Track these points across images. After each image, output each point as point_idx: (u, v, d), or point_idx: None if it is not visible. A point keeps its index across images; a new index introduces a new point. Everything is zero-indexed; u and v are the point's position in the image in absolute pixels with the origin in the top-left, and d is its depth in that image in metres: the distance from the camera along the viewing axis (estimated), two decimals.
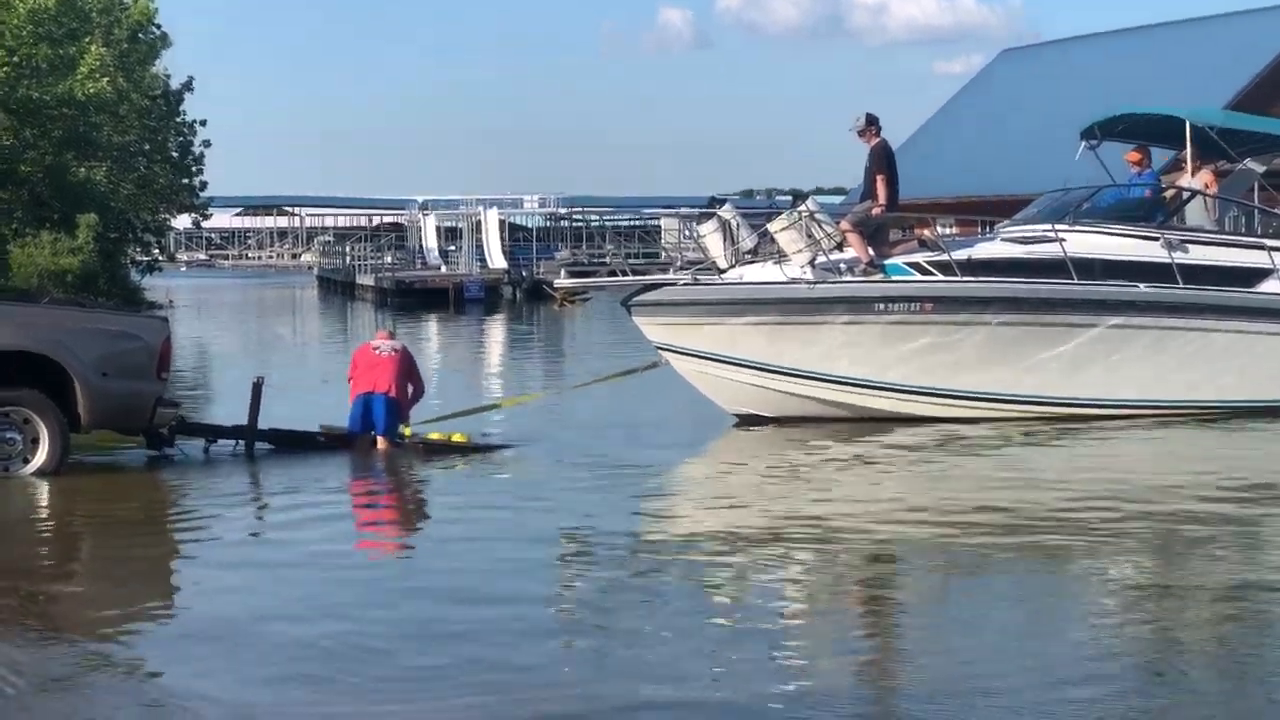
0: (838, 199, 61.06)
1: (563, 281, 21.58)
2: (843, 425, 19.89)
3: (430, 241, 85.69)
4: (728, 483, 16.97)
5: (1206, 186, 21.92)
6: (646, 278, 21.76)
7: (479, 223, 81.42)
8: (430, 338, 45.11)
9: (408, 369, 18.69)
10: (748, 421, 20.45)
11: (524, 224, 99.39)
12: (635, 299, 20.44)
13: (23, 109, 44.59)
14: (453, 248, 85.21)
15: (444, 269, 76.70)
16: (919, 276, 20.24)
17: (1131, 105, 24.95)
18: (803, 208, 20.50)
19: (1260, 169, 23.85)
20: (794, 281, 20.05)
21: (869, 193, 20.82)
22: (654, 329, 20.44)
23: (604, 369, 23.58)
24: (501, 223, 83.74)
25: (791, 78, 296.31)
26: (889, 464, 17.83)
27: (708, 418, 20.63)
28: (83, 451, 17.13)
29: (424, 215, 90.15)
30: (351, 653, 9.55)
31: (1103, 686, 8.76)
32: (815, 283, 20.00)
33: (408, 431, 18.42)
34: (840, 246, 20.40)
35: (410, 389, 18.75)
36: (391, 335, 19.28)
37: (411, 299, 64.27)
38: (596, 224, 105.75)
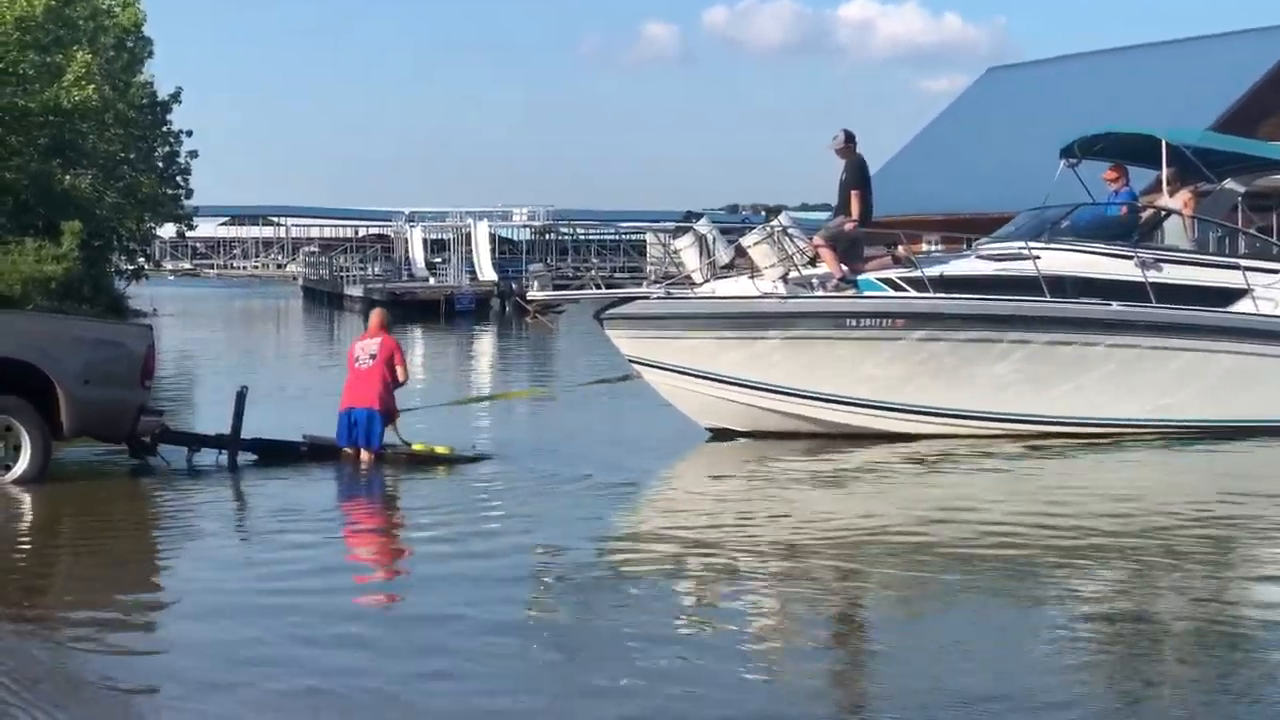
0: (824, 214, 61.07)
1: (535, 294, 21.62)
2: (814, 440, 20.00)
3: (416, 253, 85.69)
4: (697, 498, 17.04)
5: (1185, 206, 21.99)
6: (619, 291, 21.84)
7: (468, 235, 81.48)
8: (421, 347, 45.43)
9: (390, 364, 18.50)
10: (720, 435, 20.59)
11: (511, 237, 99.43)
12: (608, 312, 20.51)
13: (8, 116, 44.68)
14: (439, 260, 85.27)
15: (431, 281, 76.78)
16: (891, 292, 20.41)
17: (1110, 125, 25.09)
18: (775, 223, 20.53)
19: (1240, 189, 23.81)
20: (765, 296, 20.20)
21: (843, 208, 20.97)
22: (626, 342, 20.52)
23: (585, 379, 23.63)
24: (490, 235, 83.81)
25: (778, 93, 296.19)
26: (858, 480, 17.98)
27: (681, 431, 20.73)
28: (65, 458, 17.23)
29: (410, 227, 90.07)
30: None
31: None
32: (787, 297, 20.17)
33: (420, 446, 18.44)
34: (813, 262, 20.55)
35: (396, 379, 18.61)
36: (383, 325, 18.94)
37: (401, 310, 64.36)
38: (582, 238, 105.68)
